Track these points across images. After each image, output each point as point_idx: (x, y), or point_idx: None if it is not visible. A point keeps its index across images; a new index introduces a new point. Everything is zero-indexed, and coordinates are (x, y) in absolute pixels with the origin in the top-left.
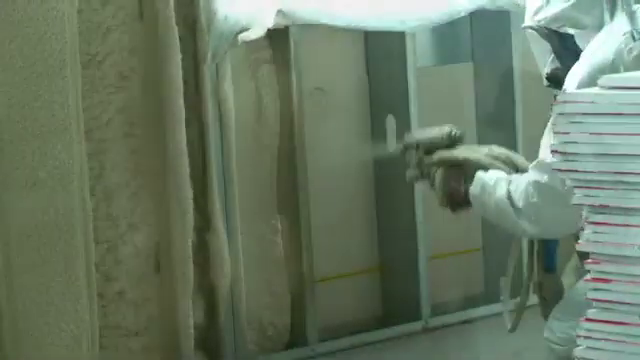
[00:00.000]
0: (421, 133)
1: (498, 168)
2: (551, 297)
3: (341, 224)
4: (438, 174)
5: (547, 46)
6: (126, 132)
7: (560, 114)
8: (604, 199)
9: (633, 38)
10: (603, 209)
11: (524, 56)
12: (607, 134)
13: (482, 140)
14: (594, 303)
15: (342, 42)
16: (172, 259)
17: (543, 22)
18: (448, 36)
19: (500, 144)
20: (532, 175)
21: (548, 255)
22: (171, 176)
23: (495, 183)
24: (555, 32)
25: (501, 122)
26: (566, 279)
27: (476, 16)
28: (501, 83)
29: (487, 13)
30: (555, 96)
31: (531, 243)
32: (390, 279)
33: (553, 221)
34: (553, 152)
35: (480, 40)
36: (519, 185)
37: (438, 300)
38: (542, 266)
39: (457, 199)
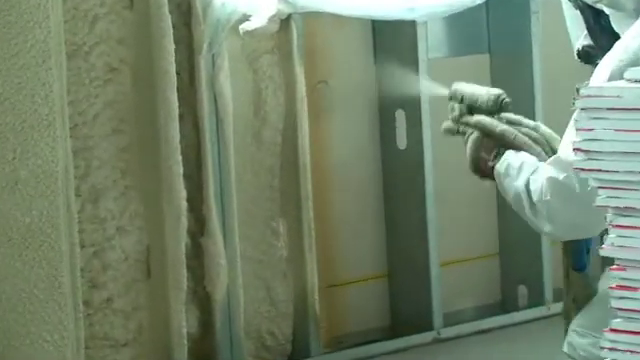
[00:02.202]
0: (469, 87)
1: (533, 151)
2: (581, 299)
3: (347, 227)
4: (472, 137)
5: (581, 19)
6: (114, 128)
7: (583, 109)
8: (630, 201)
9: None
10: (629, 211)
11: (545, 46)
12: (634, 131)
13: None
14: (619, 312)
15: (348, 32)
16: (164, 264)
17: None
18: (463, 25)
19: None
20: (549, 171)
21: (577, 252)
22: (163, 175)
23: (519, 168)
24: (590, 7)
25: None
26: (605, 284)
27: (493, 3)
28: (520, 76)
29: (504, 0)
30: (578, 90)
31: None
32: (399, 286)
33: (568, 222)
34: (576, 150)
35: (497, 29)
36: (539, 177)
37: (451, 309)
38: (570, 264)
39: (484, 170)
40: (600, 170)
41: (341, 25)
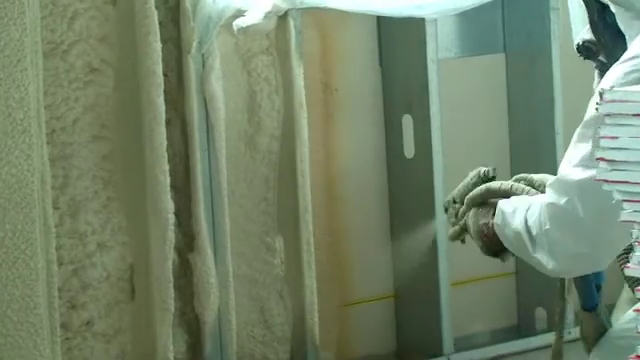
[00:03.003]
0: (453, 191)
1: (523, 192)
2: (593, 339)
3: (349, 243)
4: (469, 217)
5: (585, 12)
6: (95, 134)
7: (608, 115)
8: None
9: None
10: None
11: (565, 46)
12: None
13: (516, 146)
14: None
15: (351, 30)
16: (149, 283)
17: None
18: (475, 22)
19: (537, 150)
20: (548, 196)
21: (586, 291)
22: (148, 186)
23: (514, 210)
24: (597, 0)
25: (538, 123)
26: (619, 313)
27: None
28: (538, 78)
29: None
30: (601, 94)
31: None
32: (406, 307)
33: (570, 254)
34: (599, 160)
35: (514, 27)
36: (535, 210)
37: (462, 333)
38: (580, 303)
39: (490, 238)
40: (626, 182)
41: (344, 22)
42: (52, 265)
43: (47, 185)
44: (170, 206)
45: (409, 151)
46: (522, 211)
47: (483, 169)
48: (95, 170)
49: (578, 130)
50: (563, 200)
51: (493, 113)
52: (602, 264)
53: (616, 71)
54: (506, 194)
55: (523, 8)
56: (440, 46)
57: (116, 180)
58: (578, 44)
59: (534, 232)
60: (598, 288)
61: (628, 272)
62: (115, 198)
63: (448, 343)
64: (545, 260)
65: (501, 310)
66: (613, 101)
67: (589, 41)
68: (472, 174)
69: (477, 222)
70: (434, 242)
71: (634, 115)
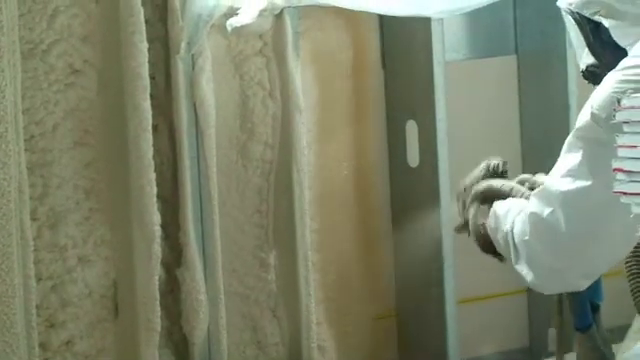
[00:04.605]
0: (465, 179)
1: (522, 193)
2: None
3: (348, 258)
4: (470, 213)
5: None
6: (77, 140)
7: (625, 123)
8: None
9: None
10: None
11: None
12: None
13: (528, 154)
14: None
15: (352, 30)
16: (134, 301)
17: (574, 5)
18: (485, 22)
19: (551, 158)
20: (532, 205)
21: (578, 309)
22: (133, 196)
23: (506, 214)
24: (590, 21)
25: (552, 130)
26: (630, 342)
27: None
28: (552, 80)
29: None
30: (619, 100)
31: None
32: (409, 327)
33: (547, 270)
34: (616, 170)
35: (526, 27)
36: (523, 216)
37: (469, 355)
38: (565, 321)
39: (485, 239)
40: None
41: (343, 22)
42: (30, 281)
43: (25, 195)
44: (156, 218)
45: (413, 160)
46: (512, 216)
47: (493, 162)
48: (76, 179)
49: (568, 139)
50: (547, 211)
51: (504, 119)
52: (576, 284)
53: (610, 79)
54: (506, 195)
55: (536, 7)
56: (447, 47)
57: (99, 190)
58: (583, 71)
59: (516, 240)
60: (595, 308)
61: None
62: (98, 209)
63: None
64: (525, 271)
65: (512, 330)
66: (632, 107)
67: (592, 65)
68: (482, 165)
69: (476, 220)
70: (441, 257)
71: None
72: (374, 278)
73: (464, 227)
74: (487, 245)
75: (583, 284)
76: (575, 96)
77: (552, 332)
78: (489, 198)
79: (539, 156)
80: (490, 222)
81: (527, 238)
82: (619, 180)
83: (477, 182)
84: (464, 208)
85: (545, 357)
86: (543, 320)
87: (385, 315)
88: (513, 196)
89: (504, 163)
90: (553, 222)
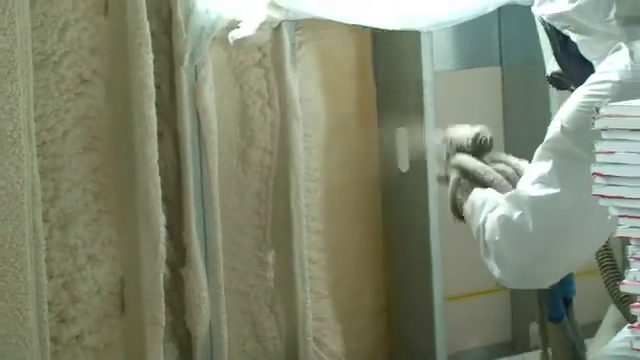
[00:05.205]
0: (457, 130)
1: (503, 187)
2: (561, 352)
3: (342, 257)
4: (451, 179)
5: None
6: (86, 146)
7: (604, 130)
8: None
9: None
10: None
11: None
12: None
13: None
14: None
15: (346, 42)
16: (140, 297)
17: (546, 16)
18: (471, 35)
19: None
20: (503, 208)
21: (550, 301)
22: (140, 199)
23: (482, 205)
24: (559, 33)
25: (534, 137)
26: (604, 337)
27: (505, 11)
28: (534, 91)
29: (519, 9)
30: (597, 108)
31: None
32: (399, 322)
33: (516, 268)
34: (595, 175)
35: (510, 39)
36: (496, 214)
37: (456, 349)
38: (545, 314)
39: (460, 216)
40: (622, 197)
41: (338, 34)
42: (42, 278)
43: (37, 197)
44: (162, 219)
45: (403, 164)
46: (486, 210)
47: (481, 135)
48: (85, 182)
49: (538, 151)
50: (516, 214)
51: (489, 126)
52: (542, 282)
53: (578, 94)
54: (487, 184)
55: (519, 20)
56: (436, 59)
57: (107, 193)
58: (548, 76)
59: (487, 237)
60: (567, 301)
61: (623, 288)
62: (106, 211)
63: (442, 359)
64: (493, 267)
65: (495, 326)
66: (610, 116)
67: (557, 73)
68: (472, 133)
69: (454, 193)
70: (428, 257)
71: (631, 130)
72: (368, 276)
73: (443, 180)
74: (457, 214)
75: (548, 282)
76: (556, 106)
77: (533, 327)
78: (469, 176)
79: (521, 154)
80: (467, 208)
81: (497, 239)
82: (598, 184)
83: (463, 147)
84: (447, 159)
85: (526, 351)
86: (525, 316)
87: (377, 311)
88: (494, 186)
89: (491, 140)
90: (522, 224)
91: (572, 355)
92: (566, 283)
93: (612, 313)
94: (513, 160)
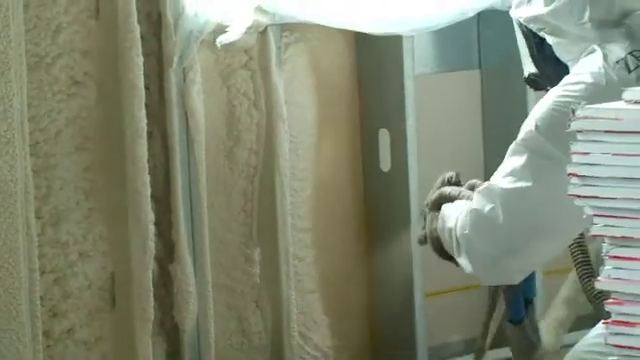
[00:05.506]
0: (430, 192)
1: (470, 198)
2: (521, 353)
3: (328, 254)
4: (427, 222)
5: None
6: (78, 146)
7: (579, 132)
8: (628, 230)
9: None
10: (626, 241)
11: None
12: (633, 155)
13: (490, 160)
14: (615, 350)
15: (331, 45)
16: (129, 292)
17: (523, 19)
18: (452, 39)
19: None
20: (474, 202)
21: (512, 303)
22: (129, 197)
23: (450, 213)
24: (535, 35)
25: (512, 137)
26: (554, 312)
27: (484, 16)
28: (512, 94)
29: (497, 14)
30: (573, 110)
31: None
32: (381, 317)
33: (487, 264)
34: (570, 175)
35: (489, 44)
36: (467, 209)
37: (436, 342)
38: (505, 315)
39: (438, 242)
40: (596, 197)
41: (322, 39)
42: (34, 274)
43: (30, 195)
44: (150, 217)
45: (385, 164)
46: (457, 214)
47: (448, 174)
48: (77, 181)
49: (512, 145)
50: (487, 207)
51: (468, 128)
52: (512, 277)
53: (552, 94)
54: (454, 198)
55: (498, 26)
56: (416, 62)
57: (98, 191)
58: (525, 77)
59: (458, 234)
60: (528, 302)
61: (598, 285)
62: (96, 208)
63: (422, 352)
64: (465, 263)
65: (474, 320)
66: (585, 118)
67: (534, 74)
68: (439, 179)
69: (431, 226)
70: (409, 254)
71: (605, 132)
72: (352, 273)
73: (423, 239)
74: (442, 249)
75: (518, 277)
76: (534, 106)
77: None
78: (441, 204)
79: (500, 160)
80: (439, 224)
81: (466, 232)
82: (573, 184)
83: (432, 195)
84: (424, 219)
85: (503, 345)
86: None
87: (361, 306)
88: (460, 199)
89: (457, 175)
90: (493, 217)
91: (530, 355)
92: (527, 284)
93: (563, 290)
94: (477, 180)
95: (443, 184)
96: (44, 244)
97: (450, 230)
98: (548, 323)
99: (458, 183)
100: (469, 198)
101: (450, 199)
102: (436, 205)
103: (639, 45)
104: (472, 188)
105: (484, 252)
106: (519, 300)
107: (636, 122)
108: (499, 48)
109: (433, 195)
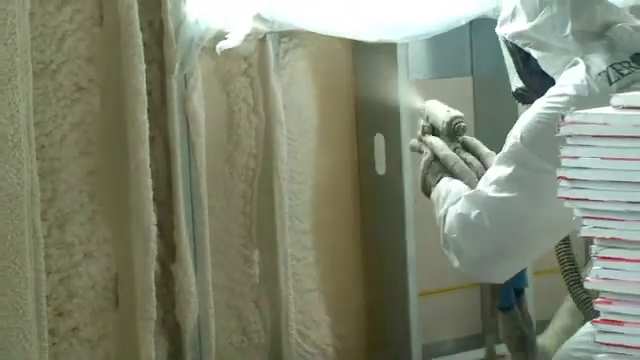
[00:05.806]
0: (435, 107)
1: (469, 180)
2: (513, 339)
3: (326, 255)
4: (424, 158)
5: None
6: (82, 150)
7: (568, 136)
8: (616, 231)
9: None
10: (615, 242)
11: None
12: (621, 159)
13: None
14: (603, 348)
15: (328, 51)
16: (132, 292)
17: (508, 35)
18: (445, 47)
19: None
20: (462, 206)
21: (502, 291)
22: (132, 200)
23: (445, 197)
24: (520, 50)
25: (503, 142)
26: (559, 321)
27: (476, 25)
28: (504, 100)
29: (489, 22)
30: (562, 116)
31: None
32: (376, 316)
33: (473, 265)
34: (560, 178)
35: (481, 51)
36: (455, 209)
37: (430, 340)
38: (496, 303)
39: (428, 194)
40: (586, 199)
41: (319, 46)
42: (40, 274)
43: (36, 198)
44: (153, 219)
45: (380, 168)
46: (449, 201)
47: (457, 121)
48: (81, 184)
49: (500, 155)
50: (474, 213)
51: None
52: (498, 277)
53: (537, 105)
54: (455, 175)
55: (490, 33)
56: (411, 68)
57: (101, 194)
58: (513, 92)
59: (446, 231)
60: (519, 292)
61: (587, 285)
62: (100, 211)
63: (417, 350)
64: (452, 258)
65: (466, 319)
66: (574, 123)
67: (521, 88)
68: (448, 117)
69: (425, 174)
70: (404, 254)
71: (593, 136)
72: (349, 273)
73: (416, 150)
74: (426, 193)
75: (505, 277)
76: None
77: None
78: (441, 163)
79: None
80: (433, 197)
81: (454, 236)
82: (563, 187)
83: (438, 127)
84: (422, 131)
85: (496, 343)
86: (493, 309)
87: (357, 305)
88: (461, 179)
89: (463, 129)
90: (478, 224)
91: (519, 343)
92: (518, 274)
93: (568, 301)
94: (484, 150)
95: (448, 127)
96: (50, 245)
97: (439, 217)
98: (554, 330)
99: (462, 134)
100: (469, 180)
101: (452, 173)
102: (436, 156)
103: (620, 57)
104: (465, 146)
105: (471, 255)
106: (509, 287)
107: (623, 127)
108: (491, 55)
109: (439, 150)
